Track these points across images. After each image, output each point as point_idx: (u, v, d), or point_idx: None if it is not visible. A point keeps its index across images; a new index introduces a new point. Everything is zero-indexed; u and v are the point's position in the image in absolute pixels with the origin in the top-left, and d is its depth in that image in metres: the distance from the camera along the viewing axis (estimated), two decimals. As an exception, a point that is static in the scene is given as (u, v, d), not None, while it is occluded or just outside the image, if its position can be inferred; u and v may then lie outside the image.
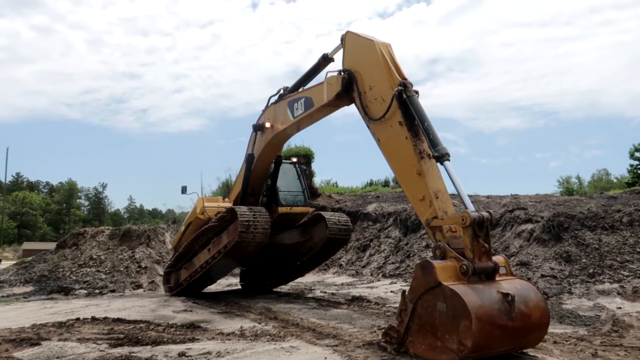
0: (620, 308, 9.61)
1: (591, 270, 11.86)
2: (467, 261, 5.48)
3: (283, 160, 13.02)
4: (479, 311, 5.00)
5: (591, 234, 13.33)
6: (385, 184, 37.19)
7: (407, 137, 6.63)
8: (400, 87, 6.74)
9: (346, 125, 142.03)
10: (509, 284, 5.56)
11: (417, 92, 6.85)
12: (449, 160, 6.23)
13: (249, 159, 11.86)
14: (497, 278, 5.65)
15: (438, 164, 6.38)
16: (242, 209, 10.76)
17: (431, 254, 18.11)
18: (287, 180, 13.04)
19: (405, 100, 6.67)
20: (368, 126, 7.46)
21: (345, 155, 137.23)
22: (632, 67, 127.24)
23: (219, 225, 11.48)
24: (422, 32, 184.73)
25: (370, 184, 36.91)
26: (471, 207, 5.79)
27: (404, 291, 5.93)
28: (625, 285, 10.96)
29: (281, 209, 12.34)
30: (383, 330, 7.73)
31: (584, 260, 12.36)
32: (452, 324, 5.15)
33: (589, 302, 10.19)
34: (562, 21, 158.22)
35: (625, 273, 11.56)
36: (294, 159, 13.85)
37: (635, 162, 38.74)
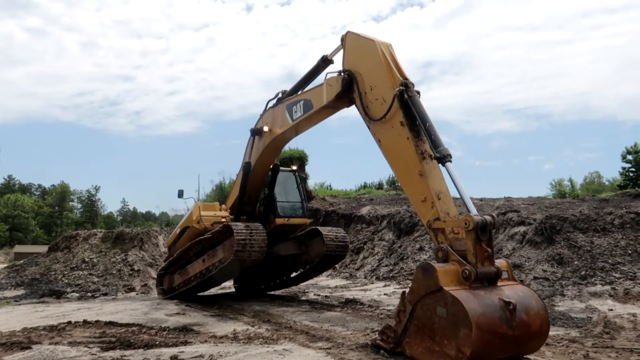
0: (611, 310, 9.67)
1: (583, 273, 11.93)
2: (469, 266, 5.39)
3: (283, 169, 12.89)
4: (479, 319, 4.93)
5: (583, 236, 13.42)
6: (379, 186, 37.29)
7: (408, 138, 6.55)
8: (401, 87, 6.64)
9: (340, 128, 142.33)
10: (510, 291, 5.48)
11: (418, 93, 6.76)
12: (450, 161, 6.14)
13: (246, 167, 11.64)
14: (499, 283, 5.58)
15: (440, 165, 6.28)
16: (238, 227, 10.41)
17: (431, 256, 18.12)
18: (285, 190, 12.85)
19: (406, 101, 6.58)
20: (368, 127, 7.35)
21: (339, 158, 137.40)
22: (624, 70, 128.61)
23: (215, 238, 11.31)
24: (416, 36, 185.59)
25: (364, 186, 37.00)
26: (474, 211, 5.70)
27: (403, 292, 5.87)
28: (616, 287, 11.04)
29: (278, 220, 12.19)
30: (379, 329, 7.75)
31: (576, 263, 12.44)
32: (451, 330, 5.08)
33: (581, 304, 10.25)
34: (554, 25, 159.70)
35: (617, 275, 11.64)
36: (294, 167, 13.63)
37: (627, 165, 39.06)
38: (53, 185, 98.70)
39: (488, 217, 5.58)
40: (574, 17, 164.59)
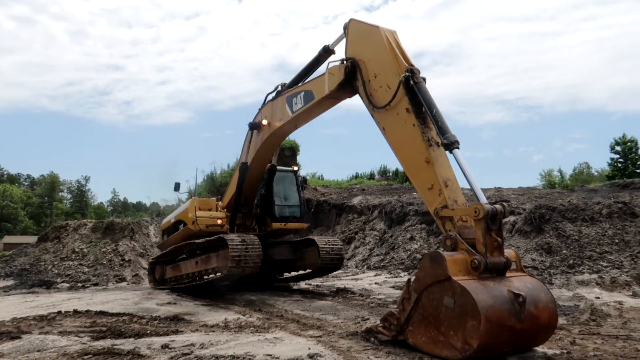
0: (598, 298, 9.83)
1: (571, 261, 12.10)
2: (479, 256, 5.24)
3: (282, 168, 12.78)
4: (488, 311, 4.79)
5: (572, 225, 13.59)
6: (371, 176, 37.41)
7: (414, 125, 6.38)
8: (407, 73, 6.48)
9: (332, 118, 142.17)
10: (520, 282, 5.32)
11: (424, 79, 6.57)
12: (458, 148, 5.95)
13: (243, 167, 11.37)
14: (507, 274, 5.43)
15: (447, 152, 6.12)
16: (234, 242, 10.09)
17: (423, 246, 18.06)
18: (284, 191, 12.68)
19: (412, 87, 6.43)
20: (372, 115, 7.17)
21: (331, 149, 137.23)
22: (614, 62, 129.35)
23: (208, 243, 11.09)
24: (408, 26, 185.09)
25: (356, 176, 37.11)
26: (483, 199, 5.53)
27: (409, 279, 5.74)
28: (603, 276, 11.21)
29: (275, 225, 12.08)
30: (369, 317, 7.80)
31: (564, 252, 12.61)
32: (458, 321, 4.94)
33: (569, 293, 10.39)
34: (546, 16, 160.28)
35: (604, 264, 11.81)
36: (295, 168, 13.44)
37: (616, 156, 39.44)
38: (42, 175, 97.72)
39: (498, 206, 5.41)
40: (565, 9, 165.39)
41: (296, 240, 12.65)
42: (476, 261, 5.21)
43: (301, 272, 12.92)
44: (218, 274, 10.61)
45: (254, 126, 11.01)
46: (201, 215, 11.89)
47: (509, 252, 5.57)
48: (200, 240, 11.32)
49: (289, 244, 12.58)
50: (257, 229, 12.24)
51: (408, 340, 5.53)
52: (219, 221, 11.85)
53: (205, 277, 11.23)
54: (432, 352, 5.21)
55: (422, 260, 5.59)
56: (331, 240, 12.34)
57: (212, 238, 10.87)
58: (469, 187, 5.94)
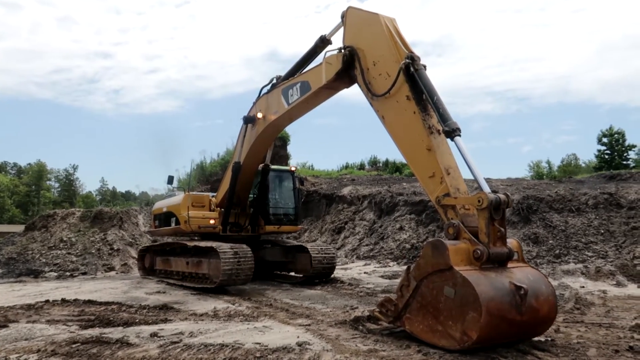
0: (583, 287, 10.00)
1: (557, 251, 12.27)
2: (481, 246, 5.15)
3: (278, 167, 12.66)
4: (489, 304, 4.72)
5: (558, 216, 13.76)
6: (361, 167, 37.45)
7: (415, 112, 6.27)
8: (407, 60, 6.37)
9: (323, 108, 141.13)
10: (521, 274, 5.25)
11: (424, 66, 6.46)
12: (459, 135, 5.86)
13: (235, 167, 11.13)
14: (509, 264, 5.37)
15: (448, 139, 6.03)
16: (227, 254, 9.80)
17: (412, 236, 18.03)
18: (281, 192, 12.57)
19: (413, 74, 6.33)
20: (371, 104, 7.05)
21: (321, 139, 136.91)
22: (603, 54, 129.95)
23: (200, 249, 10.91)
24: (400, 16, 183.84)
25: (346, 167, 37.09)
26: (487, 188, 5.44)
27: (408, 267, 5.68)
28: (588, 266, 11.39)
29: (268, 228, 12.01)
30: (357, 306, 7.86)
31: (550, 242, 12.78)
32: (458, 311, 4.88)
33: (554, 282, 10.54)
34: (537, 7, 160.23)
35: (589, 254, 12.00)
36: (293, 167, 13.27)
37: (603, 148, 39.85)
38: (29, 163, 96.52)
39: (502, 196, 5.33)
40: (555, 0, 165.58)
41: (289, 245, 12.58)
42: (479, 251, 5.14)
43: (292, 274, 12.86)
44: (208, 281, 10.50)
45: (249, 120, 10.75)
46: (194, 215, 11.67)
47: (511, 242, 5.51)
48: (191, 244, 11.23)
49: (281, 247, 12.54)
50: (249, 230, 12.17)
51: (405, 327, 5.50)
52: (212, 221, 11.68)
53: (196, 278, 11.14)
54: (429, 341, 5.17)
55: (423, 248, 5.50)
56: (324, 248, 12.19)
57: (203, 245, 10.67)
58: (469, 175, 5.91)
